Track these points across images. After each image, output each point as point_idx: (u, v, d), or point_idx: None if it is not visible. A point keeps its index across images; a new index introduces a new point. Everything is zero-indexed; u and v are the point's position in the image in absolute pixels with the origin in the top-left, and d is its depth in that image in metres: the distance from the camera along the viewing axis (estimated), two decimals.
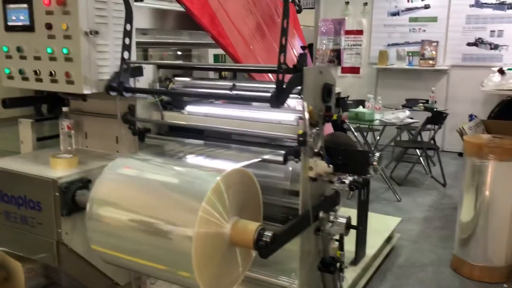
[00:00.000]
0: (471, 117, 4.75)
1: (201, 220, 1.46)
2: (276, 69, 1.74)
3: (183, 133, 2.26)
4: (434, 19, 7.09)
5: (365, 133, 5.54)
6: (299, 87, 1.83)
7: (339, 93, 7.52)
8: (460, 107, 6.66)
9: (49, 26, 2.00)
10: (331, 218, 2.05)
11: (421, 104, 6.13)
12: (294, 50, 3.21)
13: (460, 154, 5.00)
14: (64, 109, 2.21)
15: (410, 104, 6.22)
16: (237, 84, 2.13)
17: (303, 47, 1.87)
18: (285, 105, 2.16)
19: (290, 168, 2.08)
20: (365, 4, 7.52)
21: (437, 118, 5.35)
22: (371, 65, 7.57)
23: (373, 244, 3.25)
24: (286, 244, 1.73)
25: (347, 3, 7.68)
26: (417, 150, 5.87)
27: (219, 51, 2.59)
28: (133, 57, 2.14)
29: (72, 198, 1.93)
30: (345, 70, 7.86)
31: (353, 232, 2.58)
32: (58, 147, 2.21)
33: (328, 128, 2.72)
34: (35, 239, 1.99)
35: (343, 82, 7.77)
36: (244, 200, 1.67)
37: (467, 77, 6.79)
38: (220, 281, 1.63)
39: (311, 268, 2.04)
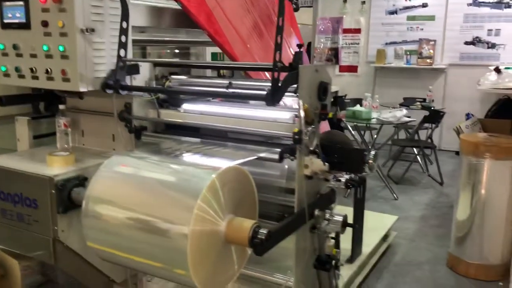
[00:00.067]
0: (468, 116, 4.77)
1: (197, 218, 1.47)
2: (271, 67, 1.75)
3: (180, 131, 2.27)
4: (431, 18, 7.10)
5: (362, 132, 5.55)
6: (295, 85, 1.83)
7: (336, 92, 7.53)
8: (457, 106, 6.67)
9: (45, 24, 2.00)
10: (327, 216, 2.06)
11: (418, 103, 6.14)
12: (291, 49, 3.21)
13: (457, 153, 5.02)
14: (61, 107, 2.22)
15: (407, 102, 6.24)
16: (234, 82, 2.14)
17: (299, 45, 1.87)
18: (282, 103, 2.17)
19: (286, 166, 2.09)
20: (363, 2, 7.53)
21: (434, 116, 5.36)
22: (369, 63, 7.57)
23: (369, 242, 3.26)
24: (282, 242, 1.74)
25: (345, 1, 7.68)
26: (414, 149, 5.89)
27: (217, 49, 2.59)
28: (130, 55, 2.14)
29: (68, 195, 1.93)
30: (343, 69, 7.86)
31: (349, 230, 2.59)
32: (55, 145, 2.22)
33: (325, 127, 2.73)
34: (32, 237, 1.99)
35: (341, 80, 7.78)
36: (239, 198, 1.68)
37: (464, 76, 6.80)
38: (216, 278, 1.64)
39: (307, 265, 2.05)
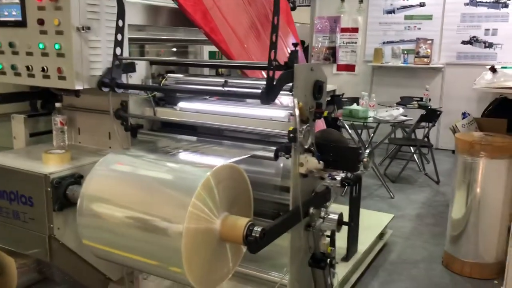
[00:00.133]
0: (464, 115, 4.78)
1: (191, 216, 1.48)
2: (266, 65, 1.75)
3: (176, 129, 2.28)
4: (429, 17, 7.11)
5: (359, 131, 5.56)
6: (291, 84, 1.84)
7: (334, 91, 7.54)
8: (454, 105, 6.69)
9: (41, 22, 2.01)
10: (322, 214, 2.07)
11: (415, 102, 6.16)
12: (289, 48, 3.22)
13: (454, 152, 5.02)
14: (57, 104, 2.22)
15: (404, 101, 6.25)
16: (229, 80, 2.15)
17: (294, 44, 1.87)
18: (277, 102, 2.18)
19: (281, 164, 2.10)
20: (361, 2, 7.53)
21: (431, 115, 5.37)
22: (366, 62, 7.58)
23: (365, 241, 3.27)
24: (277, 240, 1.74)
25: (343, 0, 7.69)
26: (411, 148, 5.90)
27: (215, 48, 2.60)
28: (126, 53, 2.14)
29: (64, 193, 1.94)
30: (341, 68, 7.87)
31: (345, 228, 2.60)
32: (52, 142, 2.22)
33: (322, 125, 2.74)
34: (27, 234, 2.00)
35: (339, 79, 7.79)
36: (234, 196, 1.68)
37: (461, 75, 6.82)
38: (210, 276, 1.65)
39: (302, 263, 2.05)
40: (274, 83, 1.76)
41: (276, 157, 1.89)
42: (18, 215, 2.00)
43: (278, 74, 1.80)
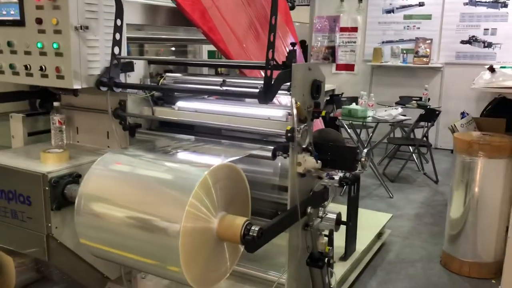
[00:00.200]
0: (463, 115, 4.77)
1: (188, 215, 1.48)
2: (264, 65, 1.76)
3: (174, 128, 2.28)
4: (428, 17, 7.11)
5: (358, 130, 5.56)
6: (289, 83, 1.84)
7: (333, 90, 7.55)
8: (453, 105, 6.69)
9: (39, 21, 2.01)
10: (320, 213, 2.07)
11: (414, 102, 6.16)
12: (287, 48, 3.22)
13: (453, 152, 5.02)
14: (55, 104, 2.22)
15: (403, 101, 6.25)
16: (228, 80, 2.15)
17: (292, 44, 1.88)
18: (276, 101, 2.18)
19: (279, 164, 2.10)
20: (360, 1, 7.53)
21: (430, 115, 5.37)
22: (365, 62, 7.58)
23: (363, 240, 3.27)
24: (275, 239, 1.75)
25: (342, 0, 7.69)
26: (410, 147, 5.90)
27: (214, 47, 2.60)
28: (124, 52, 2.15)
29: (62, 192, 1.95)
30: (340, 67, 7.87)
31: (343, 228, 2.60)
32: (50, 141, 2.22)
33: (320, 125, 2.74)
34: (25, 233, 2.00)
35: (338, 79, 7.79)
36: (232, 195, 1.69)
37: (460, 74, 6.82)
38: (208, 275, 1.65)
39: (300, 263, 2.06)
40: (272, 82, 1.77)
41: (274, 156, 1.89)
42: (16, 214, 2.00)
43: (277, 74, 1.80)
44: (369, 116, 5.05)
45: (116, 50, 2.07)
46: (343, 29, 7.75)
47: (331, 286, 2.24)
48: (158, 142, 2.12)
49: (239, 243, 1.59)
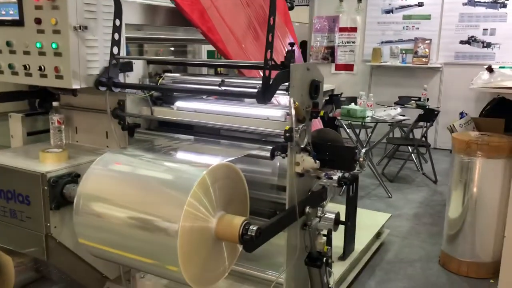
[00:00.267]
0: (461, 115, 4.78)
1: (187, 215, 1.48)
2: (262, 65, 1.76)
3: (173, 128, 2.28)
4: (427, 17, 7.12)
5: (357, 130, 5.57)
6: (287, 83, 1.85)
7: (332, 90, 7.55)
8: (452, 105, 6.69)
9: (38, 21, 2.01)
10: (319, 213, 2.08)
11: (413, 102, 6.16)
12: (287, 49, 3.22)
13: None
14: (55, 103, 2.23)
15: (402, 101, 6.26)
16: (226, 80, 2.15)
17: (291, 44, 1.88)
18: (275, 101, 2.19)
19: (278, 164, 2.10)
20: (359, 1, 7.53)
21: (429, 115, 5.38)
22: (364, 62, 7.59)
23: (362, 240, 3.27)
24: (274, 239, 1.75)
25: (341, 0, 7.69)
26: (409, 147, 5.91)
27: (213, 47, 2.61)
28: (123, 52, 2.15)
29: (61, 192, 1.95)
30: (339, 67, 7.88)
31: (342, 228, 2.61)
32: (49, 141, 2.23)
33: (319, 125, 2.74)
34: (24, 233, 2.00)
35: (337, 79, 7.80)
36: (230, 195, 1.69)
37: (459, 75, 6.82)
38: (206, 275, 1.65)
39: (298, 262, 2.06)
40: (271, 82, 1.77)
41: (273, 156, 1.90)
42: (15, 213, 2.00)
43: (275, 74, 1.81)
44: (368, 116, 5.05)
45: (115, 50, 2.07)
46: (342, 29, 7.76)
47: (330, 286, 2.25)
48: (157, 142, 2.13)
49: (237, 243, 1.60)
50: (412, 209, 4.55)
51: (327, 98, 6.20)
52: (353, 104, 5.37)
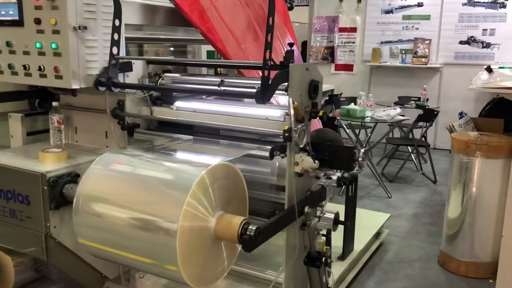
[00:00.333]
0: (461, 115, 4.78)
1: (186, 214, 1.49)
2: (261, 65, 1.76)
3: (172, 128, 2.29)
4: (427, 17, 7.12)
5: (357, 130, 5.57)
6: (286, 84, 1.85)
7: (332, 90, 7.55)
8: (452, 105, 6.69)
9: (38, 21, 2.02)
10: (318, 213, 2.08)
11: (413, 102, 6.17)
12: (286, 48, 3.22)
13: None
14: (54, 103, 2.23)
15: (402, 101, 6.26)
16: (226, 80, 2.16)
17: (290, 44, 1.89)
18: (274, 101, 2.19)
19: (277, 164, 2.11)
20: (359, 1, 7.54)
21: (429, 115, 5.38)
22: (364, 62, 7.59)
23: (361, 240, 3.28)
24: (273, 239, 1.76)
25: (341, 0, 7.69)
26: (409, 147, 5.92)
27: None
28: (123, 53, 2.15)
29: (60, 192, 1.95)
30: (339, 68, 7.88)
31: (341, 228, 2.61)
32: (49, 141, 2.23)
33: (318, 125, 2.75)
34: (24, 233, 2.01)
35: (337, 79, 7.80)
36: (229, 194, 1.69)
37: (459, 75, 6.82)
38: (206, 274, 1.66)
39: (297, 262, 2.06)
40: (270, 82, 1.77)
41: (272, 156, 1.90)
42: (15, 213, 2.01)
43: (275, 74, 1.81)
44: (367, 116, 5.06)
45: (115, 50, 2.08)
46: (342, 30, 7.77)
47: (329, 286, 2.25)
48: (156, 142, 2.13)
49: (236, 243, 1.60)
50: (412, 209, 4.56)
51: (327, 98, 6.21)
52: (352, 104, 5.37)
